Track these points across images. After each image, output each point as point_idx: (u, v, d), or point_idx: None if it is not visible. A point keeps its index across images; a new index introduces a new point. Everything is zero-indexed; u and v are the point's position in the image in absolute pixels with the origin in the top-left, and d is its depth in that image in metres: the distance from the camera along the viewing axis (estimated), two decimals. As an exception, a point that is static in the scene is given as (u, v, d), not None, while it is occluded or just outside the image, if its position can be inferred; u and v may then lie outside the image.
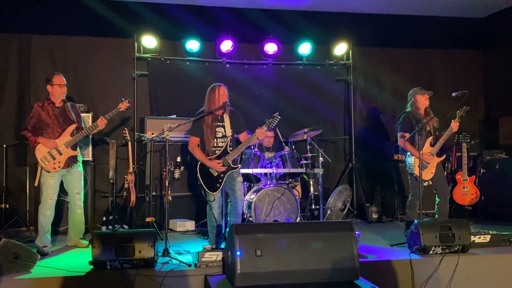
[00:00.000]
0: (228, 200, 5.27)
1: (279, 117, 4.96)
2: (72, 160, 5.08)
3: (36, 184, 5.02)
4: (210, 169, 4.93)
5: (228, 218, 5.17)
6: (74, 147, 5.09)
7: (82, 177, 5.28)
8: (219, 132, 4.98)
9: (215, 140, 4.96)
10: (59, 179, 5.05)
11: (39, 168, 4.96)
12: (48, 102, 5.04)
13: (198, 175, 4.96)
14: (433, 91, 5.59)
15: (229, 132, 5.00)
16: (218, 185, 4.93)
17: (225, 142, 4.97)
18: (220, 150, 4.95)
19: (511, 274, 4.48)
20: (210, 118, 4.95)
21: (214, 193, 4.94)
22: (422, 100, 5.47)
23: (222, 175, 4.93)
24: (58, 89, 5.03)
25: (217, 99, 4.91)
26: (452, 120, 5.40)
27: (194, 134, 4.99)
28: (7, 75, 6.64)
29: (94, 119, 6.15)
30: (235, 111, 5.12)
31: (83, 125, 5.27)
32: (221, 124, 5.00)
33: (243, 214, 5.65)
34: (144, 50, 7.01)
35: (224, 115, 5.03)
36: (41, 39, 6.74)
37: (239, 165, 5.06)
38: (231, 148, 4.97)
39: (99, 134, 6.13)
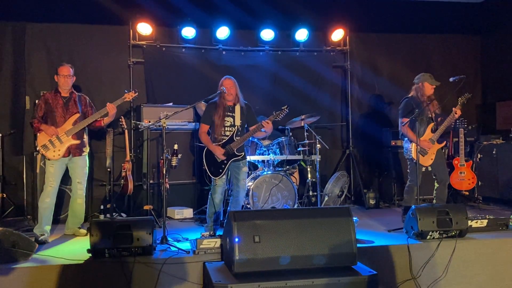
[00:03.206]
0: (228, 188, 5.29)
1: (287, 111, 5.09)
2: (75, 149, 5.10)
3: (37, 171, 5.06)
4: (215, 155, 5.00)
5: (228, 208, 5.20)
6: (77, 136, 5.10)
7: (87, 167, 5.30)
8: (227, 121, 5.07)
9: (223, 128, 5.05)
10: (60, 167, 5.07)
11: (40, 155, 5.01)
12: (55, 92, 5.14)
13: (204, 159, 5.05)
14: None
15: (238, 122, 5.09)
16: (221, 170, 4.99)
17: (232, 131, 5.04)
18: (226, 138, 5.02)
19: (508, 258, 4.52)
20: (221, 108, 5.03)
21: (217, 178, 4.99)
22: (429, 88, 5.43)
23: (225, 161, 5.00)
24: (62, 80, 5.09)
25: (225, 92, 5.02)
26: (454, 108, 5.40)
27: (203, 121, 5.15)
28: (2, 63, 6.58)
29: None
30: (247, 104, 5.23)
31: None
32: (231, 114, 5.09)
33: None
34: (139, 37, 6.95)
35: (236, 106, 5.12)
36: (35, 27, 6.67)
37: (243, 153, 5.09)
38: (237, 137, 5.02)
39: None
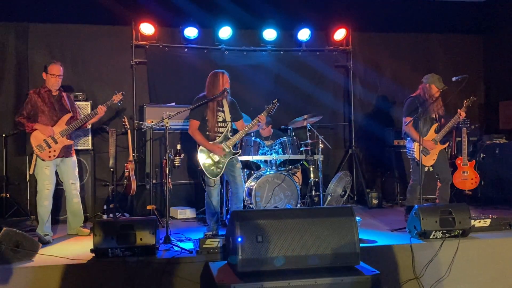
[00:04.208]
0: (229, 188, 5.28)
1: (278, 104, 5.06)
2: (67, 150, 5.06)
3: (31, 172, 5.00)
4: (210, 154, 4.93)
5: (229, 205, 5.19)
6: (70, 137, 5.08)
7: (77, 166, 5.26)
8: (219, 116, 5.01)
9: (217, 125, 4.98)
10: (54, 168, 5.03)
11: (34, 156, 4.93)
12: (44, 90, 5.02)
13: (199, 160, 4.95)
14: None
15: (228, 117, 5.05)
16: (219, 170, 4.94)
17: (226, 127, 4.99)
18: (220, 136, 4.97)
19: (511, 257, 4.50)
20: (214, 103, 4.96)
21: (215, 178, 4.94)
22: (435, 91, 5.42)
23: (223, 160, 4.94)
24: (51, 79, 5.00)
25: (221, 86, 4.93)
26: (459, 110, 5.40)
27: (194, 117, 4.96)
28: (5, 64, 6.61)
29: (93, 108, 6.15)
30: (233, 99, 5.17)
31: (81, 115, 5.27)
32: (221, 109, 5.03)
33: (243, 201, 5.68)
34: (142, 37, 6.96)
35: (224, 101, 5.05)
36: (38, 27, 6.69)
37: (240, 151, 5.10)
38: (231, 134, 4.98)
39: (98, 123, 6.10)
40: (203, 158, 4.96)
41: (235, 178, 5.04)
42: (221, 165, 4.94)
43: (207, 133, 4.95)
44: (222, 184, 5.30)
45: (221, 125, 5.00)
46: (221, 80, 4.94)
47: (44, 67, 5.05)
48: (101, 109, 5.14)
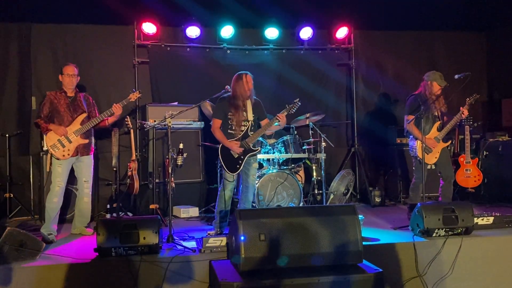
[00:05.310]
0: (239, 187, 5.30)
1: (299, 103, 5.14)
2: (82, 149, 5.13)
3: (47, 170, 5.11)
4: (231, 150, 5.00)
5: (238, 206, 5.21)
6: (85, 136, 5.13)
7: (93, 166, 5.32)
8: (242, 115, 5.06)
9: (240, 123, 5.04)
10: (67, 167, 5.10)
11: (49, 155, 5.04)
12: (60, 92, 5.15)
13: (220, 156, 5.03)
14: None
15: (250, 116, 5.10)
16: (238, 166, 5.00)
17: (247, 126, 5.06)
18: (241, 134, 5.03)
19: (514, 255, 4.51)
20: (238, 102, 5.02)
21: (234, 174, 5.00)
22: (437, 88, 5.42)
23: (242, 157, 5.00)
24: (65, 79, 5.12)
25: (244, 85, 4.99)
26: (461, 108, 5.39)
27: (217, 116, 5.08)
28: (8, 64, 6.62)
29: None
30: (257, 99, 5.22)
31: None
32: (244, 108, 5.09)
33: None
34: (144, 37, 6.98)
35: (247, 101, 5.10)
36: (41, 27, 6.71)
37: (259, 148, 5.14)
38: (251, 132, 5.05)
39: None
40: (223, 154, 5.02)
41: (248, 177, 5.09)
42: (240, 161, 5.00)
43: (230, 131, 5.04)
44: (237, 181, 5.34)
45: (243, 124, 5.06)
46: (244, 80, 5.00)
47: (60, 70, 5.18)
48: (116, 108, 5.17)
